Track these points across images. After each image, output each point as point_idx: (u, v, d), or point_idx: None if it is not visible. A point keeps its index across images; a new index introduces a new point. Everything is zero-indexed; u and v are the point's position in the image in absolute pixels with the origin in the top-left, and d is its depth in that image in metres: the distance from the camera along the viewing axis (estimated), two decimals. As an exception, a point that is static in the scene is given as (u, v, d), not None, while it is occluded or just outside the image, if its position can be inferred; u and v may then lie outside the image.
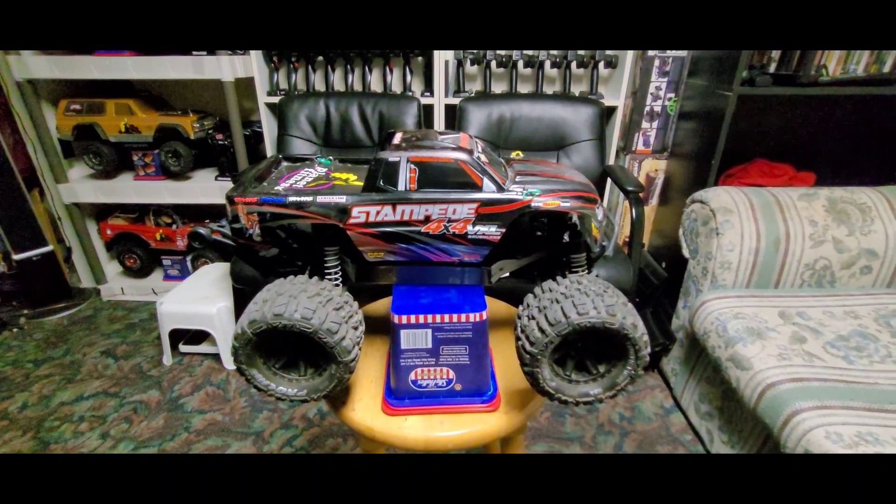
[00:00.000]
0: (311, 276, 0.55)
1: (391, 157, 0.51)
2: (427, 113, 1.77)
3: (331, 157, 0.67)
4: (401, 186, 0.52)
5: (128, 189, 1.82)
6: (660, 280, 1.67)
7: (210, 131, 1.78)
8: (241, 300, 1.60)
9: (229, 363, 1.60)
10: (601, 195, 1.69)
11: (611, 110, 1.70)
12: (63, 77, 1.67)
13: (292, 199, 0.52)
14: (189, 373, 1.58)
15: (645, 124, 1.83)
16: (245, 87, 1.71)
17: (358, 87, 1.82)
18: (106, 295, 2.02)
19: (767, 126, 1.75)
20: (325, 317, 0.48)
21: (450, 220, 0.52)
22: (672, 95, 1.77)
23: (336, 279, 0.58)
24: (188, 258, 1.98)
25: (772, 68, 1.57)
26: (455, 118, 1.69)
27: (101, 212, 1.99)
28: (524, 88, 1.83)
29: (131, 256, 1.98)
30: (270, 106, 1.74)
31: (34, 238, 1.83)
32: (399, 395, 0.56)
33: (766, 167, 1.66)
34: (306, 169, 0.62)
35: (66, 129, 1.74)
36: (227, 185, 1.76)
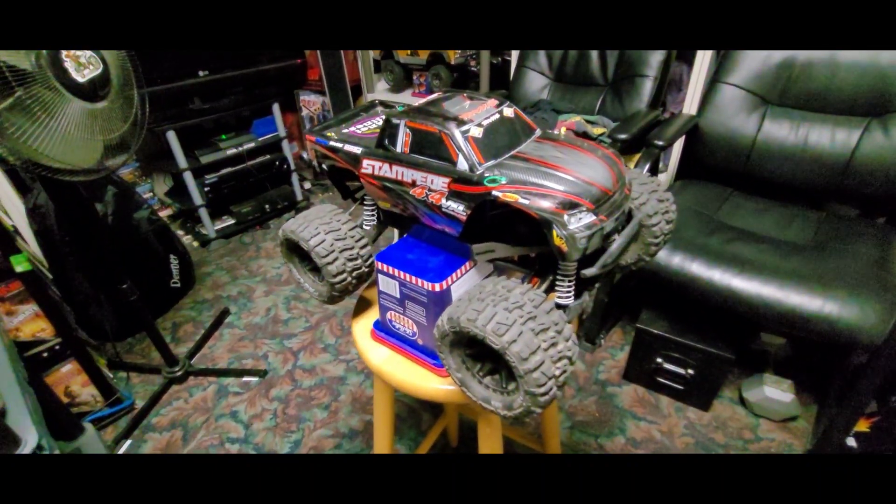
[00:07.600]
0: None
1: (395, 119, 0.55)
2: (680, 52, 1.47)
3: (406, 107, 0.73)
4: (398, 148, 0.55)
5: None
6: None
7: (468, 58, 1.98)
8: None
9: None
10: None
11: None
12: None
13: (331, 143, 0.63)
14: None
15: None
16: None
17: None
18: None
19: None
20: (321, 242, 0.60)
21: (430, 190, 0.53)
22: None
23: (371, 216, 0.68)
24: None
25: None
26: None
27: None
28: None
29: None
30: (518, 36, 1.78)
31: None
32: (381, 328, 0.65)
33: None
34: (381, 117, 0.71)
35: (377, 51, 2.25)
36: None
